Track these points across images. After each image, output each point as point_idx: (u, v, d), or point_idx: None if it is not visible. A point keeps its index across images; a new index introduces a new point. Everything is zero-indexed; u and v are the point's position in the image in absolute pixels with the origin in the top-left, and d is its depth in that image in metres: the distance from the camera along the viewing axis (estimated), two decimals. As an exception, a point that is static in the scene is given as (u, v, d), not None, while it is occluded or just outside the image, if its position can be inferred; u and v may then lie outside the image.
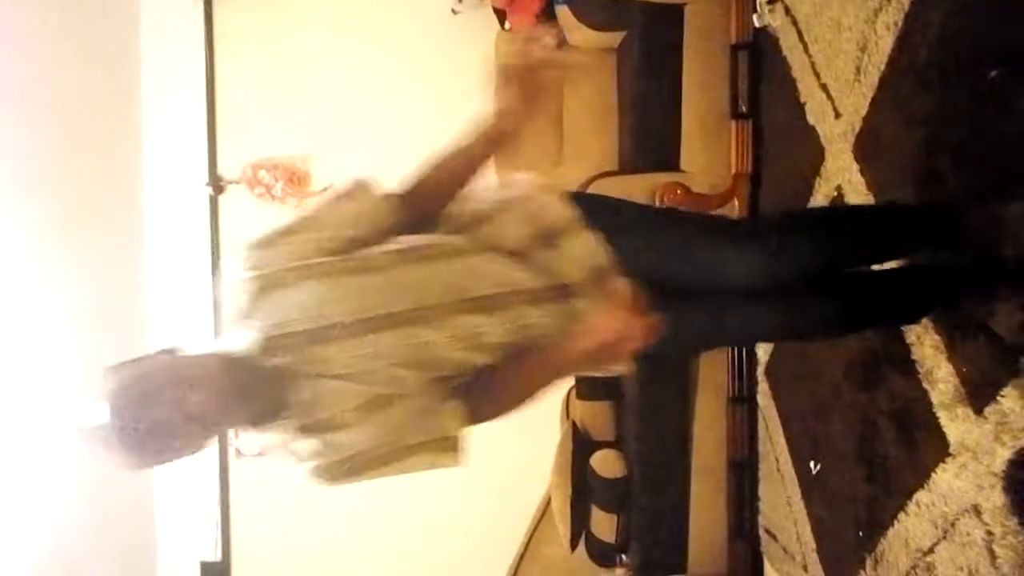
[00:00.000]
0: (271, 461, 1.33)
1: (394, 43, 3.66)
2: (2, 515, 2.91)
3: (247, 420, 1.25)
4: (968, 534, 1.56)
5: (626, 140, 2.95)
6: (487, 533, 3.59)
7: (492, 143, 1.39)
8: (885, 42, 1.82)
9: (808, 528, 2.36)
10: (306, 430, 1.24)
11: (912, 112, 1.76)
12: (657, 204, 2.54)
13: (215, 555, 3.78)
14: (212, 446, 3.50)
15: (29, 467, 3.00)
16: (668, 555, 2.84)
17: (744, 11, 2.59)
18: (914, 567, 1.77)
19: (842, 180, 2.05)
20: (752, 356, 2.74)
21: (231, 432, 3.65)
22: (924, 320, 1.68)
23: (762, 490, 2.78)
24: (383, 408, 1.24)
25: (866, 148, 1.95)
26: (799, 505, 2.40)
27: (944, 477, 1.64)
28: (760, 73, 2.58)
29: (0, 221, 2.93)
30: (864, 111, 1.95)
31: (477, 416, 1.33)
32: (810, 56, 2.25)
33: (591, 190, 2.74)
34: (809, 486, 2.34)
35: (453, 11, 3.55)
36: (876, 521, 1.93)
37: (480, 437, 1.53)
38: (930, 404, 1.67)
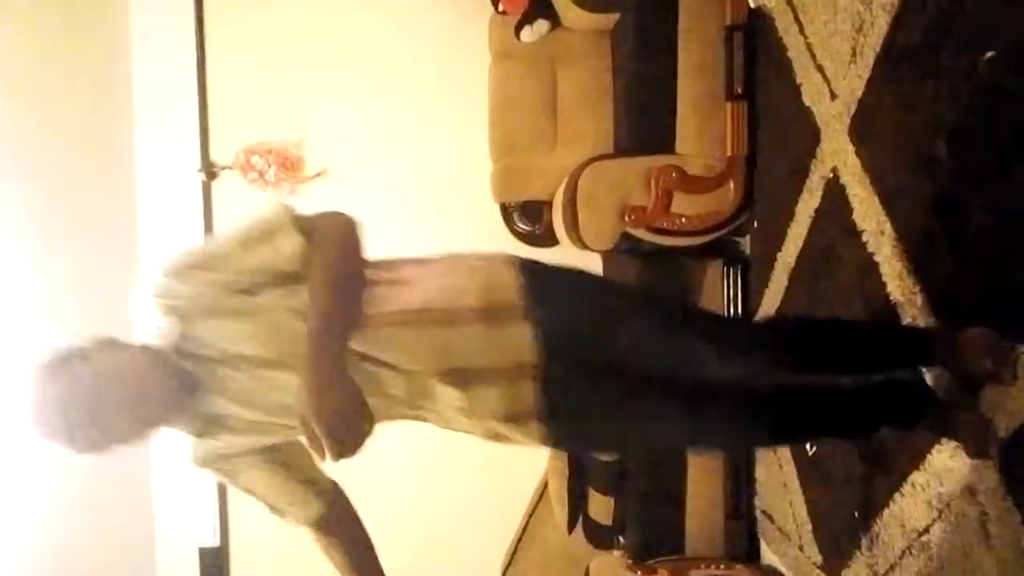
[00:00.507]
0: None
1: (387, 26, 3.63)
2: (-1, 502, 2.92)
3: (161, 411, 1.35)
4: (963, 514, 1.57)
5: (621, 122, 2.94)
6: (485, 515, 3.60)
7: None
8: (881, 23, 1.81)
9: (804, 510, 2.37)
10: (201, 432, 1.41)
11: (908, 94, 1.75)
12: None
13: (213, 540, 3.80)
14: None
15: (24, 453, 3.00)
16: (665, 537, 2.86)
17: (739, -8, 2.57)
18: (909, 547, 1.79)
19: (838, 162, 2.05)
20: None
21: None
22: (918, 300, 1.69)
23: (758, 472, 2.79)
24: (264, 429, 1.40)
25: (862, 130, 1.95)
26: (795, 487, 2.41)
27: (939, 458, 1.64)
28: (755, 54, 2.56)
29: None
30: (860, 92, 1.94)
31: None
32: (806, 37, 2.23)
33: (586, 174, 2.73)
34: (805, 468, 2.35)
35: (446, -6, 3.53)
36: (872, 502, 1.94)
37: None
38: (926, 386, 1.67)
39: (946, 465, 1.62)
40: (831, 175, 2.08)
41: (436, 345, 1.32)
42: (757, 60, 2.56)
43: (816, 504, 2.31)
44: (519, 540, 3.48)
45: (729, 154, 2.58)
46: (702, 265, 2.82)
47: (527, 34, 3.15)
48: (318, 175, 3.60)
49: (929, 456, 1.68)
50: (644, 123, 2.74)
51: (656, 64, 2.66)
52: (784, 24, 2.37)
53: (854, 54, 1.94)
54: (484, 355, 1.32)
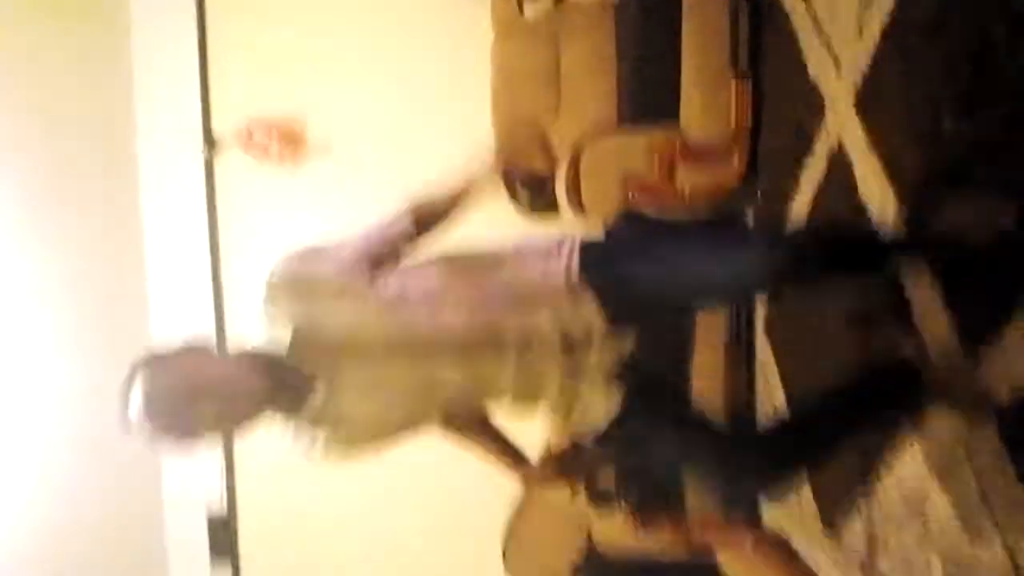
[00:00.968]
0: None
1: (389, 0, 3.61)
2: (5, 474, 2.95)
3: (271, 413, 1.40)
4: (961, 475, 1.63)
5: (624, 95, 2.94)
6: (489, 479, 3.66)
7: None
8: (887, -3, 1.82)
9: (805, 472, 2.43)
10: (315, 424, 1.43)
11: (914, 67, 1.77)
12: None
13: (221, 509, 3.85)
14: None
15: (30, 427, 3.03)
16: (667, 497, 2.92)
17: (746, -37, 2.57)
18: (907, 508, 1.85)
19: (843, 135, 2.07)
20: (751, 313, 2.79)
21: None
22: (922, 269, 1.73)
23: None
24: (381, 421, 1.46)
25: (867, 103, 1.97)
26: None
27: (939, 420, 1.69)
28: (761, 27, 2.56)
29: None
30: (866, 66, 1.96)
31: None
32: (812, 9, 2.24)
33: (589, 146, 2.75)
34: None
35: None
36: (872, 463, 1.98)
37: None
38: (924, 350, 1.72)
39: (945, 427, 1.67)
40: (836, 148, 2.11)
41: None
42: (762, 33, 2.56)
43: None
44: (523, 503, 3.54)
45: (733, 127, 2.60)
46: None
47: (530, 8, 3.14)
48: (321, 151, 3.60)
49: (929, 417, 1.73)
50: (648, 96, 2.75)
51: (660, 36, 2.66)
52: (790, -2, 2.38)
53: (860, 28, 1.96)
54: None
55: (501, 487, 3.52)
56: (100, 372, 3.38)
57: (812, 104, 2.21)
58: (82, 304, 3.32)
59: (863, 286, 1.86)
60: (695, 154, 2.62)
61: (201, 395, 1.29)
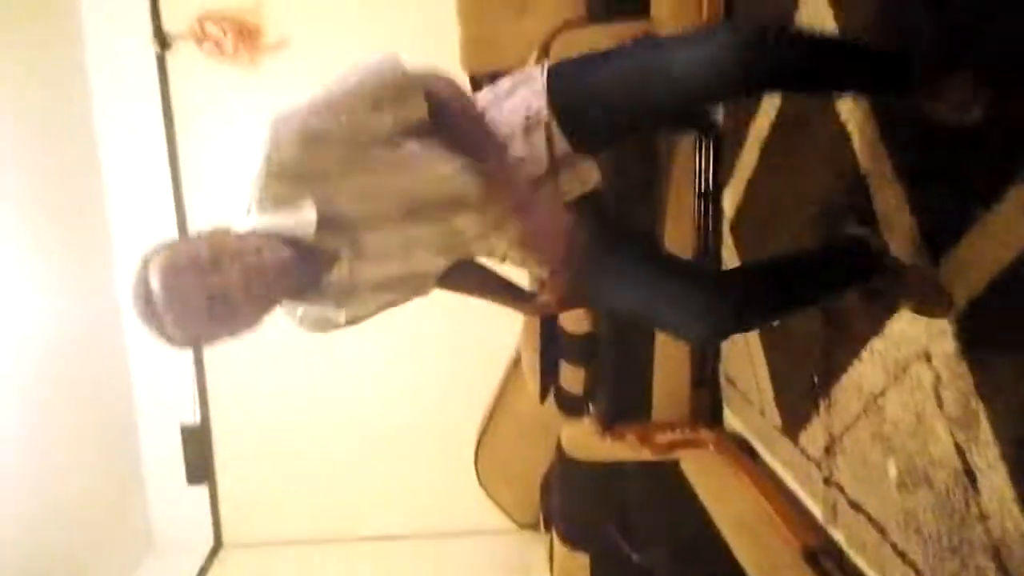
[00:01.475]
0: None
1: None
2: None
3: (293, 292, 1.33)
4: (918, 378, 1.63)
5: (593, -12, 2.80)
6: (459, 388, 3.70)
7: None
8: None
9: (767, 375, 2.45)
10: (338, 303, 1.38)
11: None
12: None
13: (194, 418, 3.87)
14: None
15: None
16: (633, 403, 2.95)
17: None
18: (865, 410, 1.86)
19: (816, 25, 1.98)
20: (717, 211, 2.74)
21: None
22: (887, 169, 1.68)
23: (724, 341, 2.86)
24: (393, 286, 1.40)
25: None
26: (759, 353, 2.48)
27: (898, 325, 1.69)
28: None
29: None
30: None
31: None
32: None
33: (557, 43, 2.64)
34: (769, 335, 2.41)
35: None
36: (831, 367, 2.00)
37: (452, 296, 1.55)
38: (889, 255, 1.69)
39: (904, 331, 1.67)
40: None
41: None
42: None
43: (777, 370, 2.39)
44: (493, 410, 3.58)
45: (705, 17, 2.49)
46: (675, 135, 2.77)
47: None
48: (278, 44, 3.44)
49: (888, 322, 1.72)
50: (617, -12, 2.63)
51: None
52: None
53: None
54: None
55: (472, 395, 3.58)
56: (61, 279, 3.34)
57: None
58: (40, 211, 3.22)
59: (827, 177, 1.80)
60: (665, 50, 2.51)
61: (225, 258, 1.18)
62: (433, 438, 3.82)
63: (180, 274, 1.17)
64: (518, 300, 1.67)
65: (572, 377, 3.07)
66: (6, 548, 2.90)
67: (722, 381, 2.91)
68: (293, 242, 1.26)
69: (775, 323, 2.26)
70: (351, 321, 1.42)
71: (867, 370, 1.84)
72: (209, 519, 3.98)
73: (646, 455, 2.83)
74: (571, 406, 3.16)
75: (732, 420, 2.87)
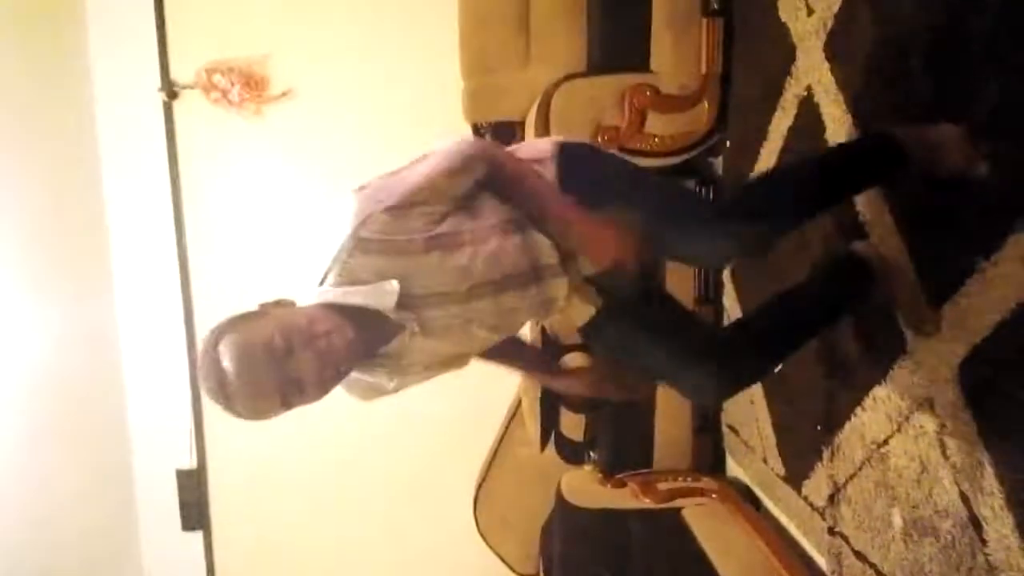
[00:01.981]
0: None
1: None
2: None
3: (360, 360, 1.36)
4: (921, 427, 1.63)
5: (594, 40, 2.86)
6: (460, 435, 3.67)
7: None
8: (860, -65, 1.77)
9: (769, 423, 2.44)
10: (391, 374, 1.42)
11: (885, 10, 1.72)
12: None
13: (191, 462, 3.84)
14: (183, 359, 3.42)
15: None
16: (634, 451, 2.94)
17: (717, -96, 2.49)
18: (868, 458, 1.86)
19: (812, 80, 2.03)
20: (718, 279, 2.77)
21: (200, 343, 3.66)
22: (888, 219, 1.71)
23: (726, 388, 2.86)
24: (444, 362, 1.48)
25: (837, 46, 1.92)
26: (761, 402, 2.48)
27: (901, 374, 1.70)
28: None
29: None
30: (836, 8, 1.91)
31: None
32: (783, -49, 2.18)
33: (559, 93, 2.69)
34: (771, 383, 2.41)
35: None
36: (834, 416, 2.00)
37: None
38: (889, 304, 1.71)
39: (907, 380, 1.67)
40: (805, 93, 2.07)
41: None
42: (733, -24, 2.50)
43: (780, 418, 2.39)
44: (493, 457, 3.56)
45: (703, 72, 2.55)
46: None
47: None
48: (283, 95, 3.50)
49: (891, 371, 1.73)
50: (618, 40, 2.69)
51: (631, -21, 2.59)
52: (762, -63, 2.31)
53: (831, -31, 1.90)
54: None
55: (470, 445, 3.56)
56: (60, 322, 3.34)
57: (782, 47, 2.16)
58: (42, 255, 3.24)
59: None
60: (665, 100, 2.57)
61: (298, 344, 1.21)
62: (432, 485, 3.78)
63: (255, 361, 1.19)
64: (548, 372, 1.81)
65: (573, 424, 3.06)
66: (-2, 595, 2.85)
67: (724, 429, 2.91)
68: (360, 313, 1.29)
69: (778, 370, 2.28)
70: (397, 389, 1.47)
71: (870, 418, 1.84)
72: (204, 566, 3.92)
73: (648, 503, 2.81)
74: (572, 453, 3.14)
75: (734, 468, 2.86)
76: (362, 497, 3.84)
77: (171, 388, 3.72)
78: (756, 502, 2.66)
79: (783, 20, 2.18)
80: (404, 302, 1.32)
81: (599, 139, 2.63)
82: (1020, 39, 1.34)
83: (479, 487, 3.57)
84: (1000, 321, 1.38)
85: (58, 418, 3.27)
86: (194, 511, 3.87)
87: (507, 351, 1.62)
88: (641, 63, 2.65)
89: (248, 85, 3.44)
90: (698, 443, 2.93)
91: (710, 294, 2.78)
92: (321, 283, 1.30)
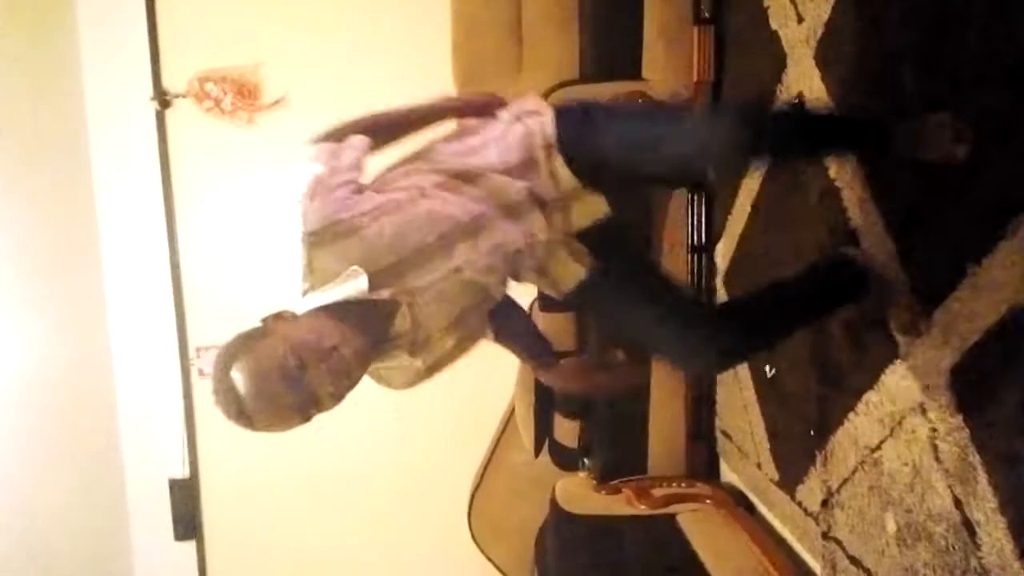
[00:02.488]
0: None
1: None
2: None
3: (372, 357, 1.36)
4: (913, 431, 1.64)
5: (587, 47, 2.88)
6: (454, 443, 3.67)
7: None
8: (849, -56, 1.78)
9: (762, 429, 2.45)
10: (413, 352, 1.41)
11: (875, 17, 1.74)
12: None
13: (183, 472, 3.82)
14: (175, 368, 3.41)
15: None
16: (629, 457, 2.94)
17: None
18: (861, 463, 1.86)
19: (803, 87, 2.04)
20: (711, 265, 2.78)
21: (192, 353, 3.65)
22: (878, 225, 1.72)
23: (719, 394, 2.87)
24: (461, 321, 1.44)
25: (828, 54, 1.94)
26: (754, 407, 2.49)
27: (893, 379, 1.70)
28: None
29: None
30: (827, 16, 1.92)
31: None
32: (773, -41, 2.20)
33: (552, 100, 2.70)
34: (764, 389, 2.42)
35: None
36: (827, 421, 2.01)
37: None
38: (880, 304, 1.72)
39: (899, 385, 1.68)
40: (796, 101, 2.08)
41: None
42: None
43: (774, 423, 2.39)
44: (487, 464, 3.55)
45: (695, 80, 2.56)
46: (667, 193, 2.82)
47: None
48: (276, 103, 3.50)
49: (883, 376, 1.74)
50: (610, 48, 2.70)
51: (623, -12, 2.61)
52: (752, -55, 2.33)
53: (821, -23, 1.92)
54: None
55: (464, 453, 3.55)
56: (52, 331, 3.33)
57: (773, 55, 2.17)
58: (34, 265, 3.22)
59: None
60: (657, 108, 2.58)
61: (310, 361, 1.23)
62: (426, 493, 3.77)
63: (271, 385, 1.22)
64: (545, 363, 1.75)
65: (566, 430, 3.06)
66: (-12, 606, 2.83)
67: (718, 435, 2.91)
68: (352, 307, 1.30)
69: (771, 375, 2.29)
70: (433, 367, 1.46)
71: (863, 423, 1.85)
72: (196, 576, 3.90)
73: (642, 509, 2.80)
74: (566, 459, 3.14)
75: (728, 474, 2.86)
76: (356, 506, 3.82)
77: (163, 397, 3.70)
78: (750, 507, 2.66)
79: (774, 28, 2.20)
80: (386, 277, 1.32)
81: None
82: (1009, 47, 1.35)
83: (473, 494, 3.57)
84: (991, 326, 1.39)
85: (50, 428, 3.25)
86: (187, 521, 3.85)
87: (512, 329, 1.62)
88: (633, 71, 2.66)
89: (241, 94, 3.45)
90: (692, 449, 2.93)
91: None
92: (304, 294, 1.33)
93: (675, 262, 2.76)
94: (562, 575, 3.05)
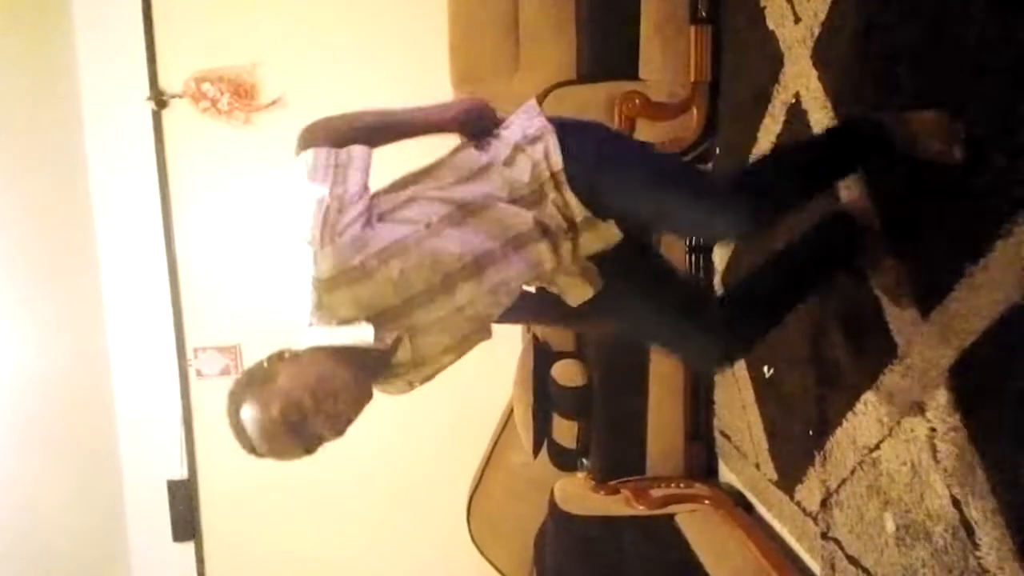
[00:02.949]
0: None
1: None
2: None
3: (371, 393, 1.44)
4: (912, 431, 1.64)
5: (584, 48, 2.88)
6: (453, 444, 3.66)
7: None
8: (846, -56, 1.78)
9: (761, 429, 2.45)
10: (412, 375, 1.50)
11: (872, 17, 1.74)
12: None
13: (181, 473, 3.81)
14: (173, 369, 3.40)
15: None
16: (627, 458, 2.94)
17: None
18: (860, 463, 1.86)
19: (800, 87, 2.04)
20: (708, 265, 2.78)
21: (190, 354, 3.64)
22: (877, 225, 1.72)
23: (717, 394, 2.87)
24: (459, 346, 1.50)
25: (825, 54, 1.94)
26: (752, 408, 2.49)
27: (891, 378, 1.70)
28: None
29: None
30: (824, 15, 1.92)
31: None
32: (771, -41, 2.20)
33: (548, 101, 2.70)
34: (762, 390, 2.42)
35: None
36: (825, 421, 2.01)
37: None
38: (879, 309, 1.72)
39: (897, 384, 1.68)
40: (793, 100, 2.08)
41: None
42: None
43: (772, 423, 2.39)
44: (486, 464, 3.55)
45: (692, 80, 2.57)
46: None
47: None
48: (273, 103, 3.49)
49: (882, 376, 1.73)
50: (607, 48, 2.70)
51: (621, -12, 2.61)
52: (749, -55, 2.33)
53: (819, -23, 1.92)
54: None
55: (463, 454, 3.55)
56: (50, 333, 3.32)
57: (770, 55, 2.18)
58: (31, 266, 3.22)
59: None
60: (655, 108, 2.58)
61: (310, 409, 1.33)
62: (425, 494, 3.76)
63: (276, 434, 1.35)
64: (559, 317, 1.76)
65: (565, 430, 3.06)
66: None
67: (716, 435, 2.91)
68: (353, 348, 1.37)
69: (769, 375, 2.28)
70: (424, 380, 1.53)
71: (861, 423, 1.85)
72: (194, 578, 3.89)
73: (641, 510, 2.81)
74: (564, 460, 3.14)
75: (727, 474, 2.86)
76: (354, 508, 3.82)
77: (161, 399, 3.70)
78: (749, 508, 2.66)
79: (771, 28, 2.20)
80: (391, 316, 1.38)
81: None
82: (1006, 46, 1.35)
83: (472, 495, 3.56)
84: (989, 325, 1.39)
85: (48, 430, 3.24)
86: (185, 522, 3.84)
87: (524, 308, 1.63)
88: (631, 71, 2.66)
89: (237, 94, 3.44)
90: (691, 449, 2.93)
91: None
92: (310, 324, 1.38)
93: (673, 263, 2.75)
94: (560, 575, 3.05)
